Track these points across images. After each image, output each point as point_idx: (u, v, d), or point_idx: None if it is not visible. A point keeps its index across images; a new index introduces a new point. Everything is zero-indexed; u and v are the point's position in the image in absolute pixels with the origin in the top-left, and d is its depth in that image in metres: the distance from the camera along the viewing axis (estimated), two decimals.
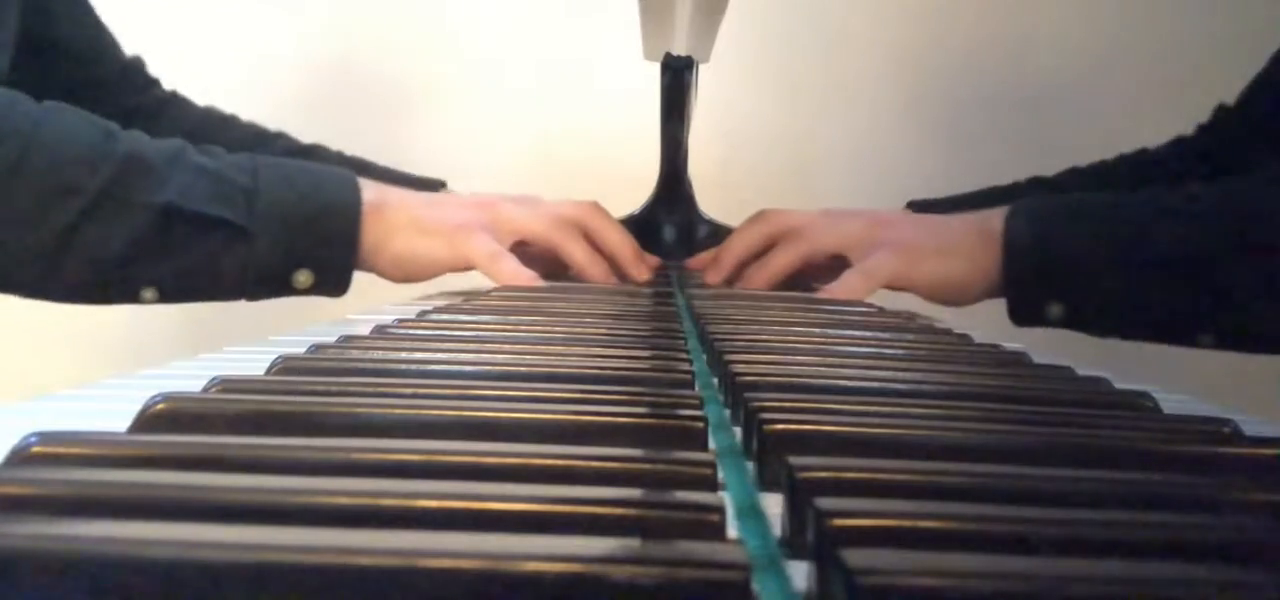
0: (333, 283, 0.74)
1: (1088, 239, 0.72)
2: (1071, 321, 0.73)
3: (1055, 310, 0.73)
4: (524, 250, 0.81)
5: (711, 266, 0.84)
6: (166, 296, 0.72)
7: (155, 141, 0.71)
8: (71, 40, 0.95)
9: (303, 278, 0.73)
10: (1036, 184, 0.98)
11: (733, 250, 0.83)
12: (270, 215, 0.71)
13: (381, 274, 0.77)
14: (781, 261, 0.80)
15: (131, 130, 0.71)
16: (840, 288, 0.76)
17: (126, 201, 0.68)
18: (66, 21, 0.95)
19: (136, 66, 1.02)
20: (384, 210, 0.75)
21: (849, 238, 0.79)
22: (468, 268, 0.78)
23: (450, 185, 1.00)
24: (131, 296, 0.71)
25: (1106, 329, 0.74)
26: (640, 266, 0.84)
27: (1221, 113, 0.96)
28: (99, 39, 0.98)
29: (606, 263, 0.82)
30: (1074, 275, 0.72)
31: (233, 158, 0.73)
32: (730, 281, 0.83)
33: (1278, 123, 0.90)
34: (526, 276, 0.76)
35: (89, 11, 0.98)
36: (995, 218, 0.75)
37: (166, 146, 0.71)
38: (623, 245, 0.83)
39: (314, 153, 1.02)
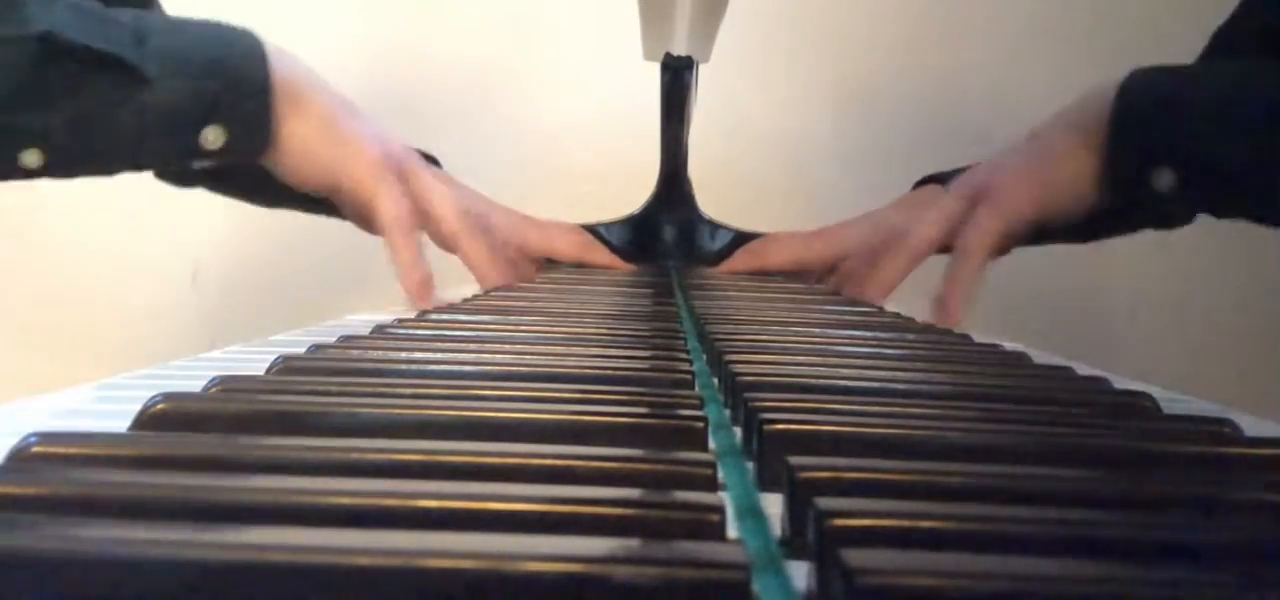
0: (246, 143, 0.65)
1: (1210, 95, 0.62)
2: (1186, 192, 0.63)
3: (1165, 177, 0.62)
4: None
5: (847, 290, 0.78)
6: (54, 160, 0.62)
7: None
8: None
9: (212, 136, 0.64)
10: None
11: (813, 258, 0.79)
12: (166, 57, 0.62)
13: (272, 155, 0.68)
14: (895, 270, 0.73)
15: None
16: (949, 285, 0.67)
17: None
18: None
19: None
20: (294, 86, 0.66)
21: (949, 222, 0.71)
22: (360, 215, 0.69)
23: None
24: (11, 162, 0.62)
25: (1227, 201, 0.64)
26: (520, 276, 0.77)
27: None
28: None
29: (507, 266, 0.76)
30: (1193, 133, 0.62)
31: (108, 7, 0.63)
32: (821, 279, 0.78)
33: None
34: (422, 275, 0.68)
35: None
36: (1105, 90, 0.65)
37: None
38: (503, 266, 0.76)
39: None
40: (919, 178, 0.96)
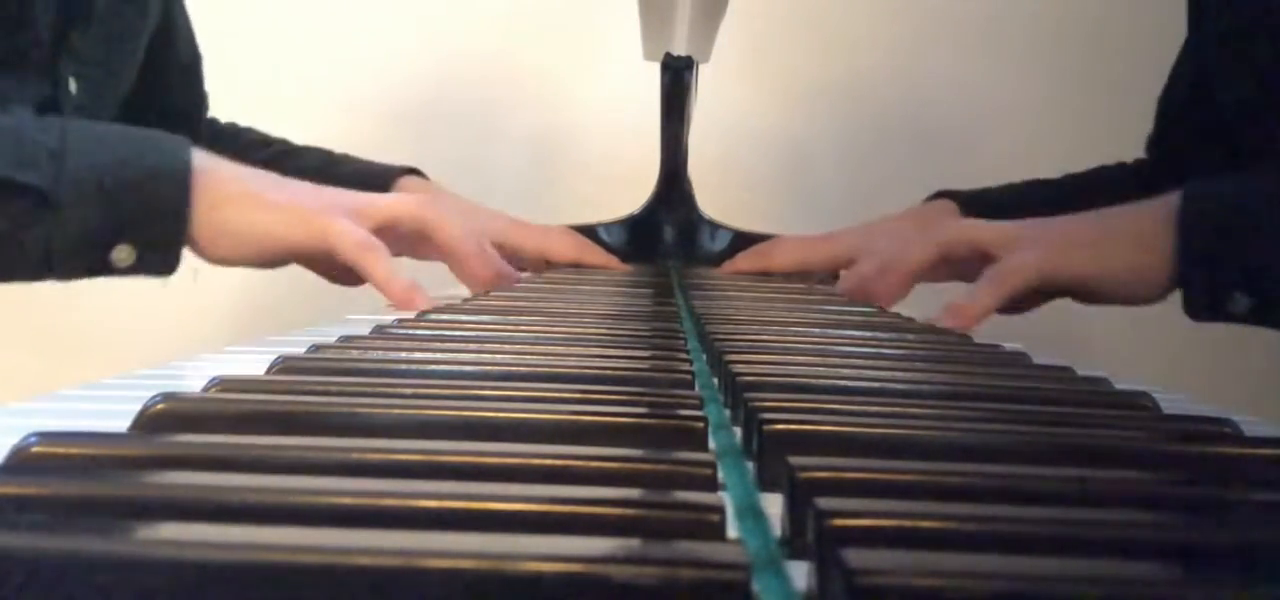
0: (158, 260, 0.65)
1: (1274, 216, 0.63)
2: (1261, 313, 0.64)
3: (1241, 301, 0.63)
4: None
5: (851, 278, 0.78)
6: None
7: None
8: (174, 106, 0.92)
9: (122, 254, 0.64)
10: (1068, 179, 0.94)
11: (817, 260, 0.79)
12: (81, 181, 0.62)
13: (204, 252, 0.68)
14: (915, 258, 0.73)
15: None
16: (967, 299, 0.67)
17: None
18: (179, 92, 0.92)
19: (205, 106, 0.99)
20: (214, 176, 0.66)
21: (989, 232, 0.71)
22: (324, 255, 0.69)
23: (447, 185, 1.00)
24: None
25: None
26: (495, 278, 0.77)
27: (1155, 136, 0.92)
28: (199, 108, 0.96)
29: (479, 254, 0.75)
30: (1265, 258, 0.62)
31: (37, 119, 0.64)
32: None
33: (1210, 119, 0.82)
34: (403, 284, 0.67)
35: (199, 81, 0.96)
36: (1167, 199, 0.66)
37: None
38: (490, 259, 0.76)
39: (298, 151, 0.98)
40: (927, 189, 0.97)
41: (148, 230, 0.64)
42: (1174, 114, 0.86)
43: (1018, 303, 0.71)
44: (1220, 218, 0.64)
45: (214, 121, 1.02)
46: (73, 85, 0.73)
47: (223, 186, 0.66)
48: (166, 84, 0.89)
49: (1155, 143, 0.93)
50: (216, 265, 0.69)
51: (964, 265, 0.74)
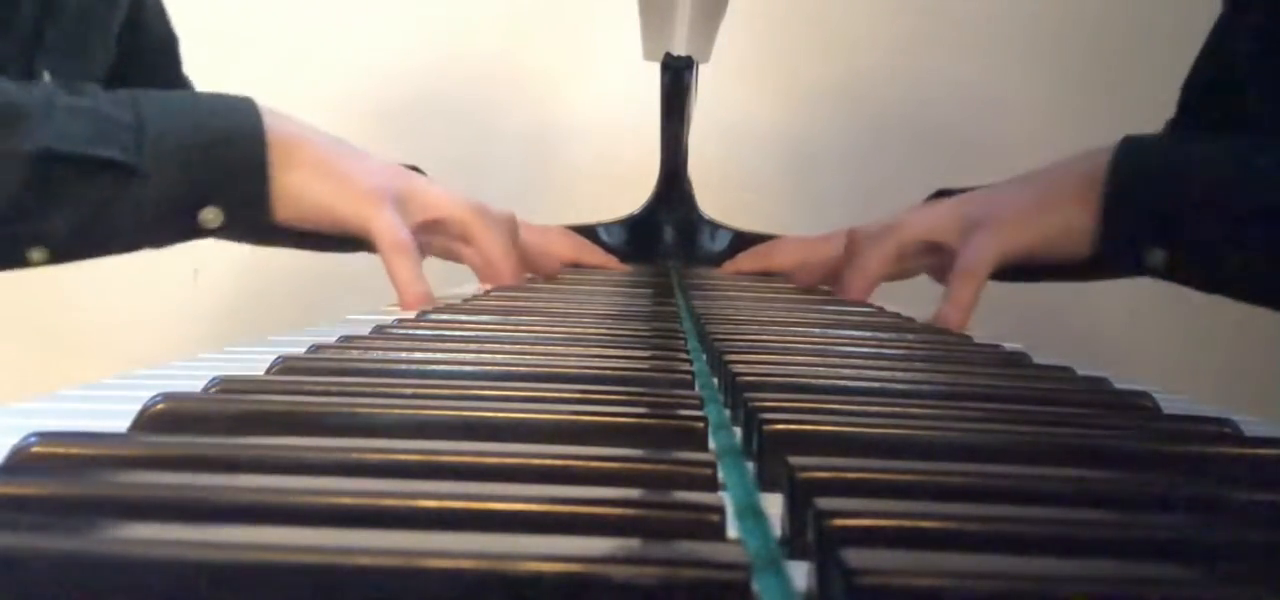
0: (247, 218, 0.68)
1: (1199, 177, 0.63)
2: (1174, 270, 0.65)
3: (1156, 255, 0.64)
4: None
5: (800, 273, 0.79)
6: (59, 255, 0.65)
7: (20, 85, 0.64)
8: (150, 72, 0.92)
9: (210, 216, 0.66)
10: None
11: (817, 260, 0.80)
12: (162, 149, 0.64)
13: (271, 212, 0.70)
14: (875, 257, 0.74)
15: None
16: (949, 307, 0.68)
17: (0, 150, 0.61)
18: (154, 75, 0.91)
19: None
20: (286, 139, 0.68)
21: (939, 222, 0.72)
22: (361, 238, 0.71)
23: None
24: (18, 259, 0.65)
25: (1211, 280, 0.66)
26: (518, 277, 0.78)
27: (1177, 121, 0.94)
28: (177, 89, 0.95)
29: (519, 263, 0.77)
30: (1182, 216, 0.63)
31: (109, 94, 0.66)
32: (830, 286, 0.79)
33: (1236, 105, 0.85)
34: (419, 291, 0.69)
35: (175, 63, 0.95)
36: (1099, 152, 0.68)
37: (35, 90, 0.64)
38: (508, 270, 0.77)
39: None
40: (928, 188, 0.96)
41: (231, 191, 0.66)
42: (1197, 100, 0.86)
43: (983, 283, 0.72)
44: (1144, 171, 0.65)
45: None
46: (47, 79, 0.73)
47: (295, 149, 0.68)
48: (140, 68, 0.89)
49: (1176, 126, 0.93)
50: (282, 224, 0.70)
51: (926, 259, 0.75)
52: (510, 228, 0.79)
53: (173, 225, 0.66)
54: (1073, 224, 0.67)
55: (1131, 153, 0.66)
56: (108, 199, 0.64)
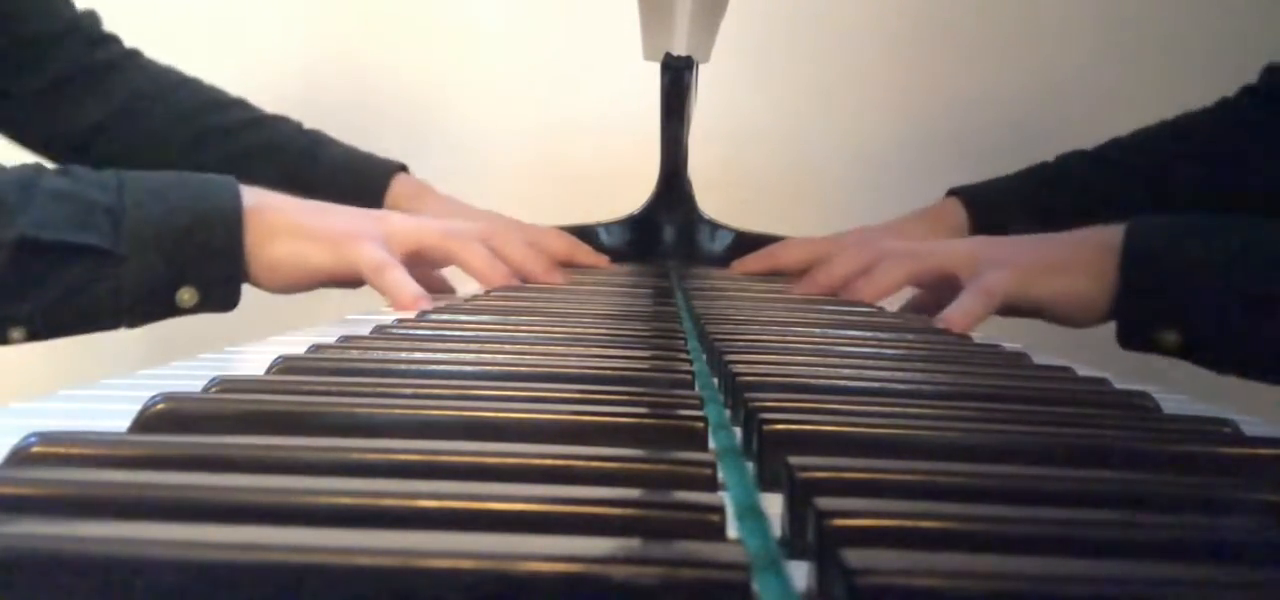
0: (220, 298, 0.70)
1: (1210, 262, 0.65)
2: (1187, 350, 0.67)
3: (1170, 337, 0.66)
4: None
5: (805, 281, 0.81)
6: (37, 334, 0.68)
7: (4, 170, 0.66)
8: (29, 33, 0.92)
9: (186, 296, 0.68)
10: (1078, 156, 0.96)
11: (835, 270, 0.79)
12: (140, 234, 0.66)
13: (257, 283, 0.73)
14: (891, 275, 0.76)
15: None
16: (957, 312, 0.69)
17: None
18: (32, 18, 0.92)
19: (88, 21, 0.98)
20: (263, 213, 0.71)
21: (958, 256, 0.74)
22: (354, 281, 0.74)
23: (443, 185, 1.00)
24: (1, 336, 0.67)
25: (1224, 363, 0.68)
26: (551, 274, 0.81)
27: (1246, 97, 0.94)
28: (62, 30, 0.95)
29: (508, 269, 0.79)
30: (1196, 300, 0.65)
31: (95, 176, 0.68)
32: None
33: None
34: (412, 292, 0.70)
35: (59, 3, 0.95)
36: (1113, 231, 0.69)
37: (15, 174, 0.66)
38: (527, 259, 0.80)
39: (270, 122, 1.00)
40: (927, 187, 0.97)
41: (206, 272, 0.68)
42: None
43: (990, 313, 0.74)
44: (1158, 255, 0.67)
45: (170, 70, 1.01)
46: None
47: (271, 222, 0.71)
48: (14, 10, 0.89)
49: (1250, 93, 0.93)
50: (270, 293, 0.73)
51: (935, 286, 0.76)
52: (492, 233, 0.80)
53: (150, 305, 0.68)
54: (1085, 293, 0.70)
55: (1143, 235, 0.68)
56: (85, 282, 0.66)
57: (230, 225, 0.69)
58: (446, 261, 0.79)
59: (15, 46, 0.91)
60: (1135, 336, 0.68)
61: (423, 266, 0.77)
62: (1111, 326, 0.70)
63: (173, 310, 0.69)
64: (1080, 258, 0.70)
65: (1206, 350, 0.67)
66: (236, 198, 0.69)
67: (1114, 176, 0.94)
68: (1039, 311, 0.72)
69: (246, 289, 0.72)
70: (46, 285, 0.65)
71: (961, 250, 0.75)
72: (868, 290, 0.76)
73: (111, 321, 0.68)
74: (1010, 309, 0.73)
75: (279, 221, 0.71)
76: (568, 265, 0.91)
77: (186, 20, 1.33)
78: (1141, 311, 0.67)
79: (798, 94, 1.35)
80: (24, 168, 0.67)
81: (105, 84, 0.96)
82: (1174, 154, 0.93)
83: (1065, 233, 0.73)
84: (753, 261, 0.93)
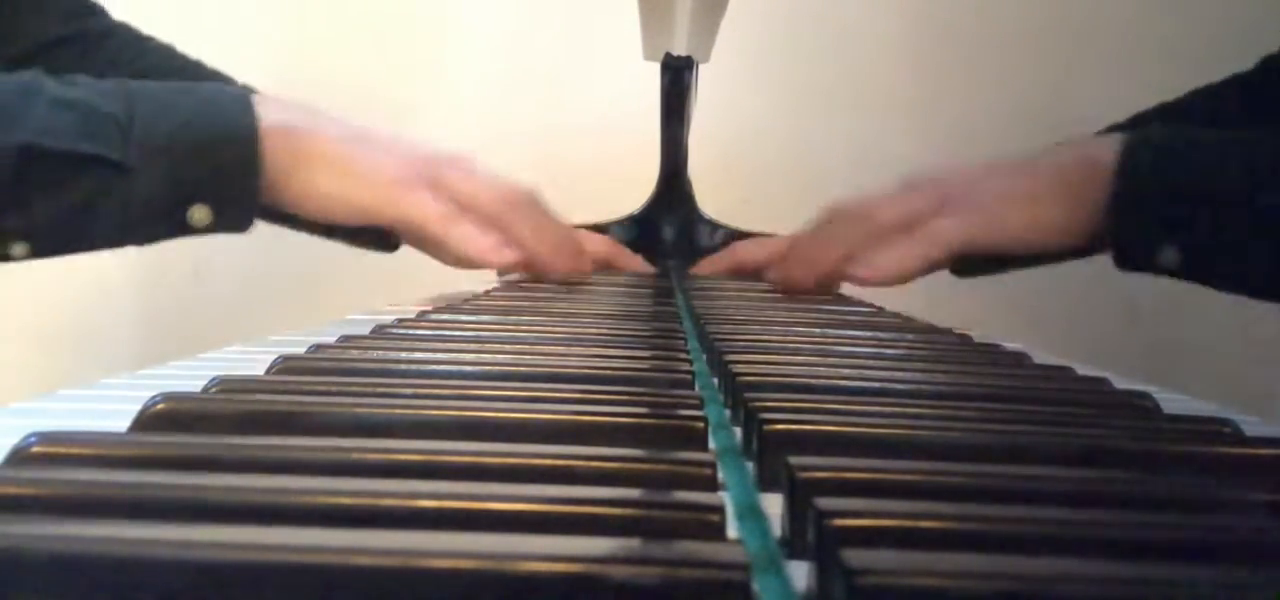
0: (235, 217, 0.66)
1: (1215, 176, 0.62)
2: (1188, 270, 0.63)
3: (1169, 255, 0.63)
4: None
5: (777, 268, 0.76)
6: (40, 249, 0.64)
7: (5, 76, 0.63)
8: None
9: (199, 214, 0.64)
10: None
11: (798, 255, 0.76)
12: (150, 145, 0.63)
13: (294, 208, 0.68)
14: (833, 241, 0.71)
15: None
16: (885, 260, 0.66)
17: None
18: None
19: None
20: (293, 136, 0.66)
21: (913, 209, 0.69)
22: (400, 228, 0.69)
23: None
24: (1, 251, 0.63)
25: (1228, 281, 0.64)
26: (581, 262, 0.76)
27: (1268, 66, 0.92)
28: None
29: (552, 248, 0.73)
30: (1197, 216, 0.62)
31: (101, 85, 0.64)
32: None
33: None
34: (485, 249, 0.67)
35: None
36: (1103, 146, 0.65)
37: (18, 80, 0.63)
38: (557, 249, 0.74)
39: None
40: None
41: (220, 189, 0.64)
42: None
43: (943, 265, 0.70)
44: (1156, 170, 0.63)
45: (163, 46, 0.97)
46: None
47: (305, 147, 0.66)
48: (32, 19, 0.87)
49: (1241, 84, 0.91)
50: (307, 218, 0.69)
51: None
52: (547, 225, 0.76)
53: (160, 223, 0.65)
54: (1059, 222, 0.66)
55: (1140, 150, 0.64)
56: (92, 195, 0.62)
57: (245, 142, 0.64)
58: (495, 226, 0.73)
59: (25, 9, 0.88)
60: (1133, 255, 0.64)
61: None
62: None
63: (184, 229, 0.65)
64: (1060, 179, 0.66)
65: (1210, 266, 0.63)
66: (251, 114, 0.65)
67: None
68: (1007, 252, 0.68)
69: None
70: (51, 197, 0.62)
71: (916, 201, 0.70)
72: (802, 267, 0.71)
73: (118, 237, 0.65)
74: (975, 258, 0.69)
75: (315, 148, 0.67)
76: (607, 268, 0.89)
77: (176, 15, 1.33)
78: (1141, 229, 0.63)
79: (798, 94, 1.35)
80: (24, 75, 0.63)
81: (95, 56, 0.92)
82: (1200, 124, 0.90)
83: (1051, 152, 0.69)
84: (713, 263, 0.92)
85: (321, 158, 0.67)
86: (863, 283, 0.68)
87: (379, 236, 0.75)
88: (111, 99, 0.63)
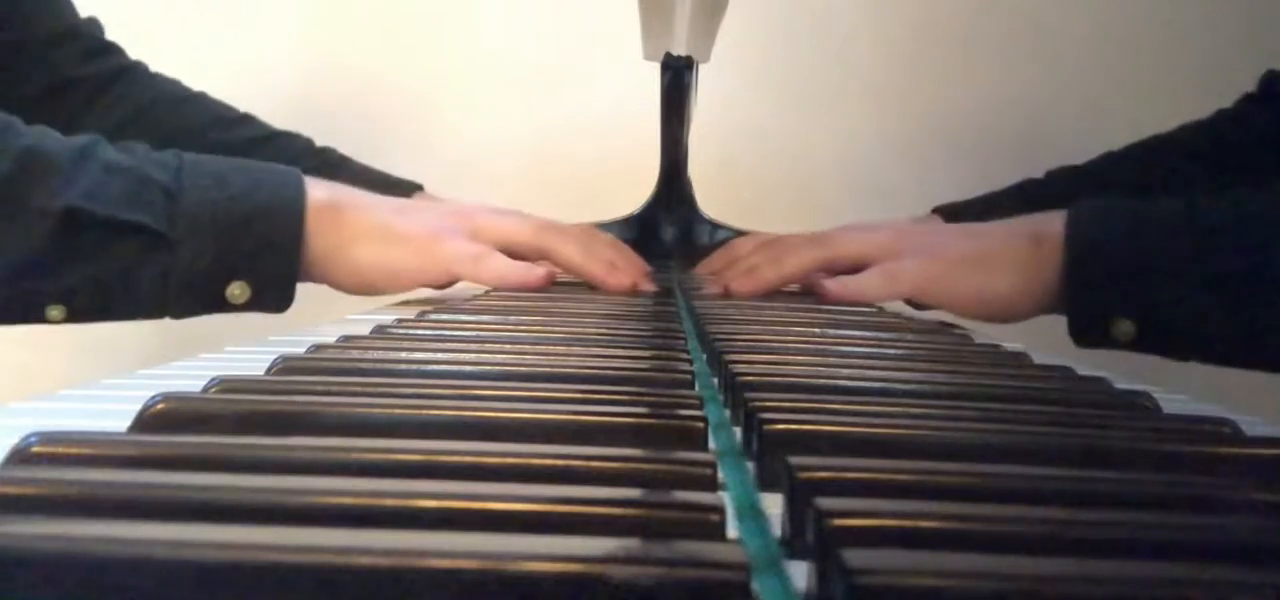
0: (273, 297, 0.66)
1: (1165, 245, 0.62)
2: (1144, 341, 0.63)
3: (1124, 328, 0.63)
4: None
5: (739, 277, 0.76)
6: (77, 314, 0.64)
7: (62, 137, 0.63)
8: (33, 36, 0.89)
9: (237, 291, 0.64)
10: (1067, 172, 0.94)
11: (741, 263, 0.77)
12: (196, 219, 0.63)
13: (337, 285, 0.69)
14: (794, 260, 0.73)
15: (36, 126, 0.62)
16: (851, 285, 0.68)
17: (22, 205, 0.60)
18: (35, 21, 0.89)
19: (89, 29, 0.94)
20: (341, 213, 0.67)
21: (873, 244, 0.71)
22: (447, 282, 0.71)
23: (443, 189, 1.00)
24: (36, 315, 0.64)
25: (1185, 349, 0.64)
26: (642, 282, 0.76)
27: (1246, 104, 0.92)
28: (65, 34, 0.92)
29: (603, 263, 0.75)
30: (1150, 286, 0.62)
31: (155, 155, 0.64)
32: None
33: None
34: (519, 272, 0.69)
35: (64, 5, 0.92)
36: (1051, 222, 0.66)
37: (74, 143, 0.63)
38: (615, 265, 0.76)
39: (279, 139, 0.96)
40: (927, 187, 0.96)
41: (261, 267, 0.64)
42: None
43: (900, 299, 0.72)
44: (1108, 243, 0.63)
45: (176, 85, 0.98)
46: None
47: (347, 223, 0.67)
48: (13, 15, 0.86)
49: (1251, 100, 0.92)
50: (350, 295, 0.70)
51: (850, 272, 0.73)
52: (584, 235, 0.77)
53: (197, 296, 0.64)
54: (1004, 293, 0.67)
55: (1089, 221, 0.65)
56: (133, 263, 0.62)
57: (292, 219, 0.65)
58: (538, 258, 0.74)
59: (3, 55, 0.88)
60: (1088, 331, 0.64)
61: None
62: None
63: (221, 304, 0.65)
64: (1008, 252, 0.67)
65: (1164, 339, 0.63)
66: (300, 191, 0.66)
67: (1101, 193, 0.92)
68: (955, 310, 0.69)
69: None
70: (92, 262, 0.62)
71: (881, 238, 0.72)
72: (770, 272, 0.73)
73: (155, 309, 0.64)
74: (920, 304, 0.71)
75: (359, 223, 0.68)
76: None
77: (180, 23, 1.33)
78: (1095, 304, 0.63)
79: (798, 94, 1.35)
80: (82, 138, 0.63)
81: (107, 97, 0.93)
82: (1171, 167, 0.91)
83: (1001, 222, 0.70)
84: (712, 264, 0.92)
85: (366, 232, 0.68)
86: (826, 296, 0.69)
87: None
88: (163, 168, 0.63)
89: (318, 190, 0.67)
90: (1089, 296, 0.63)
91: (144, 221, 0.62)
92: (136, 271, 0.62)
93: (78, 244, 0.61)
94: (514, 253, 0.73)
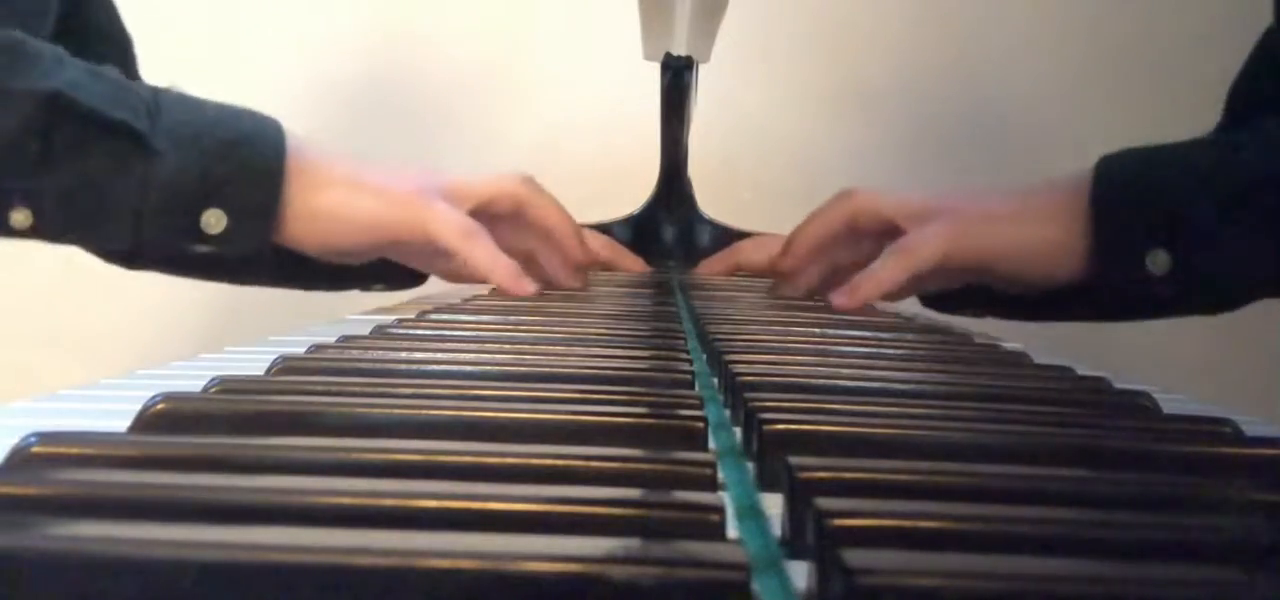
0: (249, 231, 0.62)
1: (1193, 161, 0.61)
2: (1179, 274, 0.61)
3: (1160, 258, 0.61)
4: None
5: (782, 258, 0.74)
6: (43, 224, 0.60)
7: (34, 40, 0.60)
8: (102, 28, 0.85)
9: (212, 219, 0.61)
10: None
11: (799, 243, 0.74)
12: (178, 133, 0.60)
13: (297, 240, 0.65)
14: (821, 221, 0.71)
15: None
16: (865, 280, 0.64)
17: (3, 88, 0.57)
18: (102, 13, 0.85)
19: (118, 59, 0.92)
20: (314, 161, 0.64)
21: (904, 206, 0.68)
22: (423, 243, 0.67)
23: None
24: (1, 220, 0.60)
25: (1225, 278, 0.62)
26: (582, 252, 0.74)
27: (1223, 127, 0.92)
28: (124, 37, 0.88)
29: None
30: (1179, 204, 0.60)
31: (128, 81, 0.62)
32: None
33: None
34: (509, 266, 0.65)
35: (117, 20, 0.89)
36: (1078, 175, 0.64)
37: (53, 46, 0.60)
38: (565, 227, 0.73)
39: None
40: (927, 187, 0.96)
41: (241, 193, 0.61)
42: (1243, 105, 0.84)
43: (928, 280, 0.69)
44: (1134, 176, 0.62)
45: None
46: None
47: (320, 169, 0.64)
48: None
49: (1223, 131, 0.91)
50: (311, 253, 0.67)
51: (875, 240, 0.70)
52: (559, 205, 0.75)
53: (172, 219, 0.61)
54: (1051, 241, 0.64)
55: (1114, 164, 0.64)
56: (111, 169, 0.59)
57: (274, 148, 0.62)
58: (519, 212, 0.71)
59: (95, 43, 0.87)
60: (1121, 266, 0.62)
61: (494, 228, 0.70)
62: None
63: (193, 233, 0.61)
64: (1044, 206, 0.65)
65: (1200, 264, 0.61)
66: (280, 128, 0.63)
67: None
68: (990, 269, 0.66)
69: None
70: (69, 161, 0.58)
71: (910, 200, 0.69)
72: (801, 241, 0.71)
73: (128, 228, 0.61)
74: (956, 271, 0.67)
75: (333, 171, 0.65)
76: (608, 268, 0.89)
77: (170, 50, 1.33)
78: (1125, 234, 0.62)
79: (798, 94, 1.35)
80: (54, 46, 0.61)
81: None
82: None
83: (1029, 185, 0.68)
84: (713, 265, 0.92)
85: (340, 180, 0.65)
86: (841, 307, 0.66)
87: (385, 274, 0.74)
88: (142, 87, 0.62)
89: (295, 139, 0.65)
90: (1119, 229, 0.62)
91: (127, 120, 0.59)
92: (113, 178, 0.59)
93: (58, 136, 0.58)
94: (495, 210, 0.70)
